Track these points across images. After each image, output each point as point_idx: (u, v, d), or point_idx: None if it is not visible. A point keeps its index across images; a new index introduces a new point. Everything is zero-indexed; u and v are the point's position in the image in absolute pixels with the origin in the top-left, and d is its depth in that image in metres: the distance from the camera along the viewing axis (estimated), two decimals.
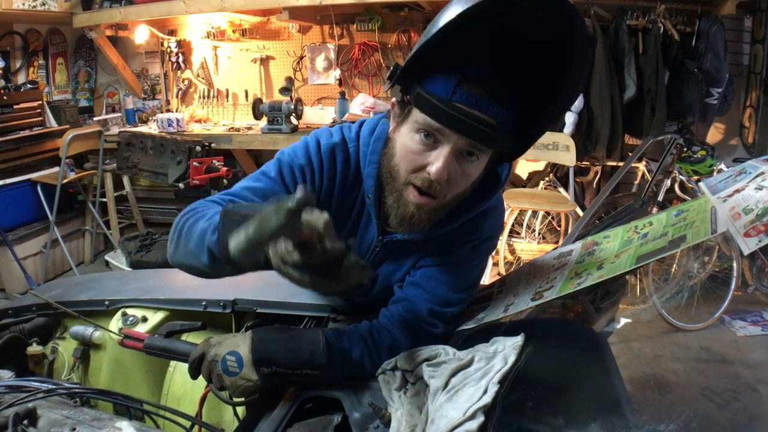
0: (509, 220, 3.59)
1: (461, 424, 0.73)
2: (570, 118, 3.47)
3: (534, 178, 3.96)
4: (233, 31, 4.36)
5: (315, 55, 4.27)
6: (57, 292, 1.42)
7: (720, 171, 3.24)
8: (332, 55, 4.23)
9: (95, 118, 4.52)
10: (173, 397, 1.21)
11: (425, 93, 0.89)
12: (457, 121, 0.87)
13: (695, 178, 3.36)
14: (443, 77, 0.89)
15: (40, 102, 4.01)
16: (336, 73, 4.22)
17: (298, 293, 1.30)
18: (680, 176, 3.39)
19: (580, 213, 3.41)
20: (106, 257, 3.63)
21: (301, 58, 4.31)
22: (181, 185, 3.40)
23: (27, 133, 3.83)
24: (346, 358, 0.98)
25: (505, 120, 0.90)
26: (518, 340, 0.88)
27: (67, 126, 4.05)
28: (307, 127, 4.04)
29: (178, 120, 4.17)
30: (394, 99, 0.99)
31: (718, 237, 3.04)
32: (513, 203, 3.40)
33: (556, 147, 3.51)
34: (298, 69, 4.34)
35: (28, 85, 4.08)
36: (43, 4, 3.91)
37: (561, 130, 3.52)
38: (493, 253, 3.29)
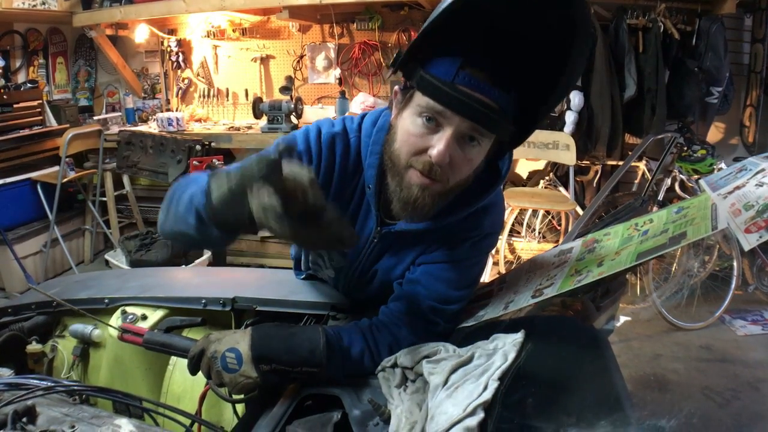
0: (509, 219, 3.58)
1: (461, 421, 0.73)
2: (570, 117, 3.47)
3: (534, 177, 3.96)
4: (233, 30, 4.36)
5: (315, 54, 4.27)
6: (56, 291, 1.42)
7: (720, 170, 3.24)
8: (332, 54, 4.24)
9: (95, 118, 4.53)
10: (173, 395, 1.21)
11: (428, 75, 0.89)
12: (460, 104, 0.87)
13: (695, 177, 3.35)
14: (446, 60, 0.89)
15: (40, 101, 4.02)
16: (336, 72, 4.22)
17: (298, 291, 1.30)
18: (680, 175, 3.39)
19: (580, 212, 3.41)
20: (106, 256, 3.63)
21: (301, 57, 4.31)
22: None
23: (27, 132, 3.84)
24: (345, 355, 0.98)
25: (507, 104, 0.90)
26: (518, 337, 0.88)
27: (67, 125, 4.05)
28: None
29: (178, 119, 4.17)
30: (396, 87, 0.99)
31: (719, 235, 3.04)
32: (513, 202, 3.40)
33: (556, 146, 3.51)
34: (298, 68, 4.34)
35: (28, 85, 4.08)
36: (43, 3, 3.91)
37: (561, 129, 3.52)
38: (493, 252, 3.30)
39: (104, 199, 4.03)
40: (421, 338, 1.02)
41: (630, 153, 2.59)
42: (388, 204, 1.01)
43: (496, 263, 3.63)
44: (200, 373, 0.97)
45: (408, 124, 0.93)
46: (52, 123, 4.06)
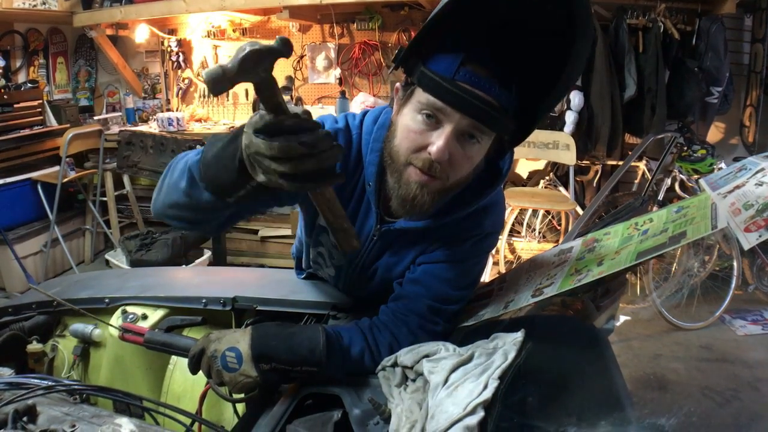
0: (510, 219, 3.58)
1: (461, 420, 0.73)
2: (570, 117, 3.47)
3: (534, 177, 3.96)
4: (233, 30, 4.36)
5: (315, 54, 4.27)
6: (57, 290, 1.41)
7: (720, 170, 3.24)
8: (332, 54, 4.24)
9: (95, 117, 4.53)
10: (173, 394, 1.21)
11: (429, 72, 0.89)
12: (460, 100, 0.87)
13: (695, 177, 3.35)
14: (447, 57, 0.89)
15: (41, 101, 4.02)
16: (336, 72, 4.22)
17: (298, 291, 1.30)
18: (680, 175, 3.40)
19: (580, 212, 3.41)
20: (107, 256, 3.63)
21: (302, 57, 4.31)
22: None
23: (27, 132, 3.84)
24: (345, 354, 0.98)
25: (507, 102, 0.90)
26: (518, 336, 0.88)
27: (68, 125, 4.05)
28: None
29: (178, 119, 4.18)
30: (397, 84, 0.99)
31: (719, 235, 3.04)
32: (513, 202, 3.40)
33: (556, 146, 3.51)
34: (298, 68, 4.34)
35: (29, 85, 4.09)
36: (44, 3, 3.91)
37: (561, 129, 3.52)
38: (494, 252, 3.30)
39: (104, 199, 4.03)
40: (421, 337, 1.02)
41: (630, 153, 2.59)
42: (388, 202, 1.01)
43: (496, 263, 3.63)
44: (200, 372, 0.97)
45: (408, 120, 0.93)
46: (53, 123, 4.07)
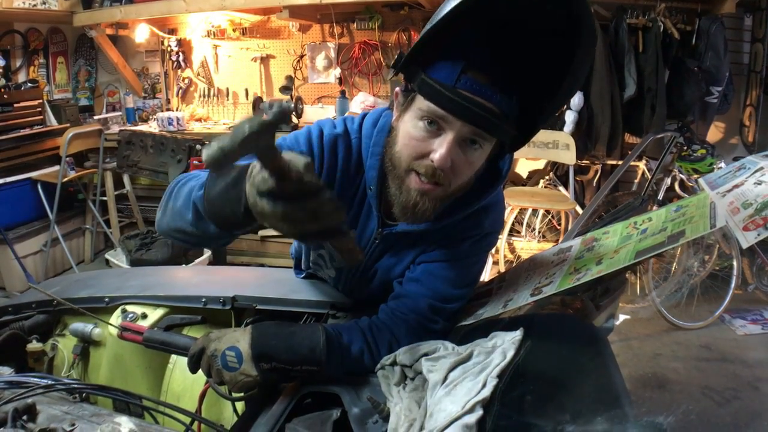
0: (509, 218, 3.59)
1: (460, 418, 0.73)
2: (570, 117, 3.48)
3: (534, 176, 3.96)
4: (233, 30, 4.37)
5: (315, 54, 4.27)
6: (57, 290, 1.42)
7: (720, 169, 3.24)
8: (332, 54, 4.24)
9: (95, 117, 4.53)
10: (173, 393, 1.21)
11: (429, 80, 0.89)
12: (462, 108, 0.87)
13: (695, 176, 3.36)
14: (448, 64, 0.88)
15: (41, 101, 4.02)
16: (336, 71, 4.22)
17: (298, 290, 1.30)
18: (680, 175, 3.40)
19: (580, 211, 3.41)
20: (107, 256, 3.64)
21: (302, 56, 4.31)
22: None
23: (27, 131, 3.84)
24: (345, 353, 0.98)
25: (509, 108, 0.90)
26: (517, 334, 0.88)
27: (68, 125, 4.06)
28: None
29: (178, 119, 4.18)
30: (397, 89, 0.98)
31: (718, 234, 3.04)
32: (513, 202, 3.40)
33: (556, 145, 3.51)
34: (298, 68, 4.34)
35: (29, 84, 4.09)
36: (44, 3, 3.91)
37: (561, 129, 3.52)
38: (493, 252, 3.30)
39: (104, 198, 4.03)
40: (420, 336, 1.02)
41: (630, 152, 2.59)
42: (389, 205, 1.01)
43: (495, 262, 3.63)
44: (200, 371, 0.97)
45: (409, 127, 0.93)
46: (53, 122, 4.07)
